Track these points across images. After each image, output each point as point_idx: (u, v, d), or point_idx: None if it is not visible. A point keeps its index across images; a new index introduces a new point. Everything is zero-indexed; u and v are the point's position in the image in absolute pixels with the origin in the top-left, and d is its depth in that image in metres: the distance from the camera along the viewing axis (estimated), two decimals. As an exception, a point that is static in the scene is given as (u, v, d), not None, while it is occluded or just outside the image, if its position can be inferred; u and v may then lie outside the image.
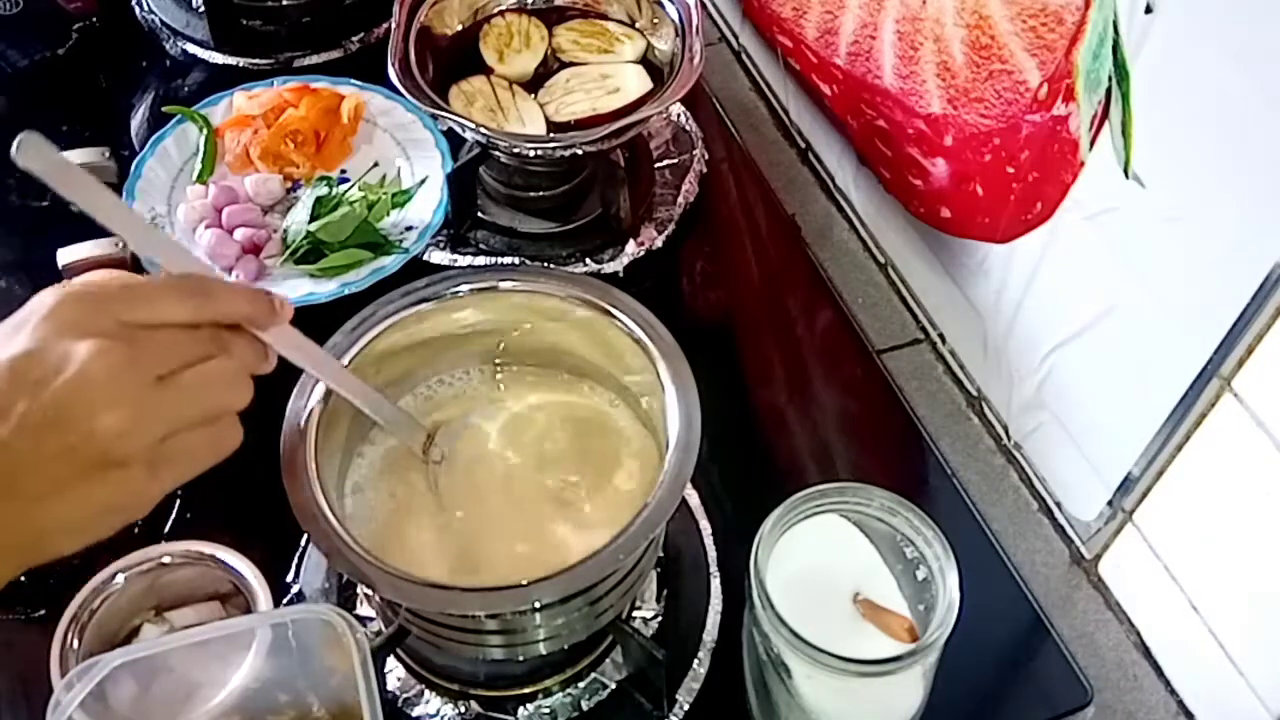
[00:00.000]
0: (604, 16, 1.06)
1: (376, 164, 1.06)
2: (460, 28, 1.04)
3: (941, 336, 1.01)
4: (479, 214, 1.03)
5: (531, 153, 0.96)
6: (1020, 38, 0.77)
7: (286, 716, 0.71)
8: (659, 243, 1.02)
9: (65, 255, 0.94)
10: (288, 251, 0.97)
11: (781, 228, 1.09)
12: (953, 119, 0.87)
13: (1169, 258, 0.72)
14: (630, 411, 0.78)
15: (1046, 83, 0.77)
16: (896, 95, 0.93)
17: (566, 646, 0.74)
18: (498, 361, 0.80)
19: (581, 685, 0.78)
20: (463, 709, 0.77)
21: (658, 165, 1.08)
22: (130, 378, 0.54)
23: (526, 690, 0.77)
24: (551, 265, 1.00)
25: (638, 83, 1.01)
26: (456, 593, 0.65)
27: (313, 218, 0.98)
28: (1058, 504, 0.90)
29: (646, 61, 1.03)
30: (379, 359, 0.75)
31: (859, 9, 0.95)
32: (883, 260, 1.07)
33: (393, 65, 0.94)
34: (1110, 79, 0.72)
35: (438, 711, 0.77)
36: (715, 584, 0.82)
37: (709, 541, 0.84)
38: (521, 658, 0.75)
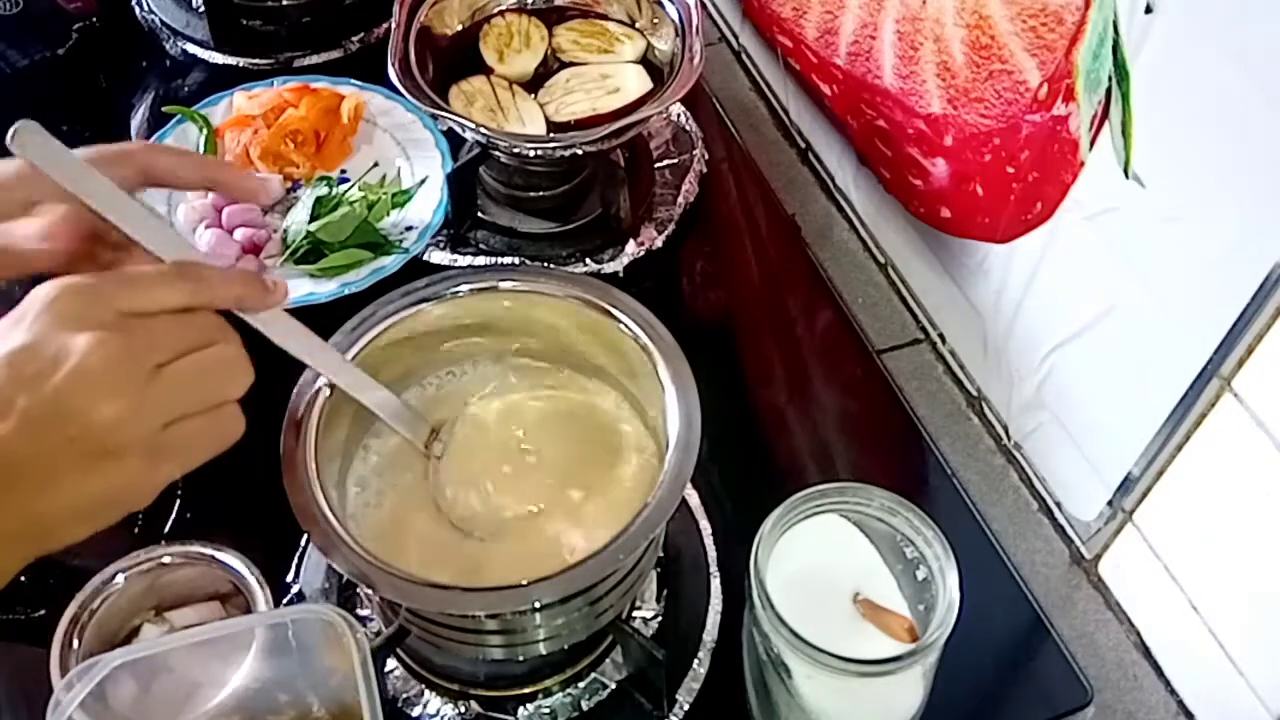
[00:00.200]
0: (604, 16, 1.06)
1: (376, 164, 1.06)
2: (460, 28, 1.04)
3: (941, 336, 1.01)
4: (479, 214, 1.03)
5: (531, 153, 0.96)
6: (1020, 38, 0.77)
7: (286, 716, 0.70)
8: (659, 243, 1.03)
9: None
10: (288, 251, 0.97)
11: (781, 228, 1.09)
12: (953, 119, 0.87)
13: (1169, 258, 0.72)
14: (630, 411, 0.78)
15: (1046, 83, 0.77)
16: (896, 95, 0.93)
17: (566, 646, 0.74)
18: (497, 361, 0.80)
19: (581, 685, 0.78)
20: (463, 709, 0.77)
21: (658, 165, 1.08)
22: (128, 368, 0.54)
23: (526, 690, 0.77)
24: (551, 265, 1.00)
25: (638, 83, 1.01)
26: (456, 593, 0.65)
27: (313, 218, 0.99)
28: (1058, 504, 0.90)
29: (646, 61, 1.03)
30: (379, 359, 0.75)
31: (859, 9, 0.95)
32: (883, 260, 1.07)
33: (393, 65, 0.94)
34: (1110, 79, 0.72)
35: (438, 711, 0.77)
36: (715, 584, 0.82)
37: (709, 541, 0.84)
38: (521, 658, 0.75)
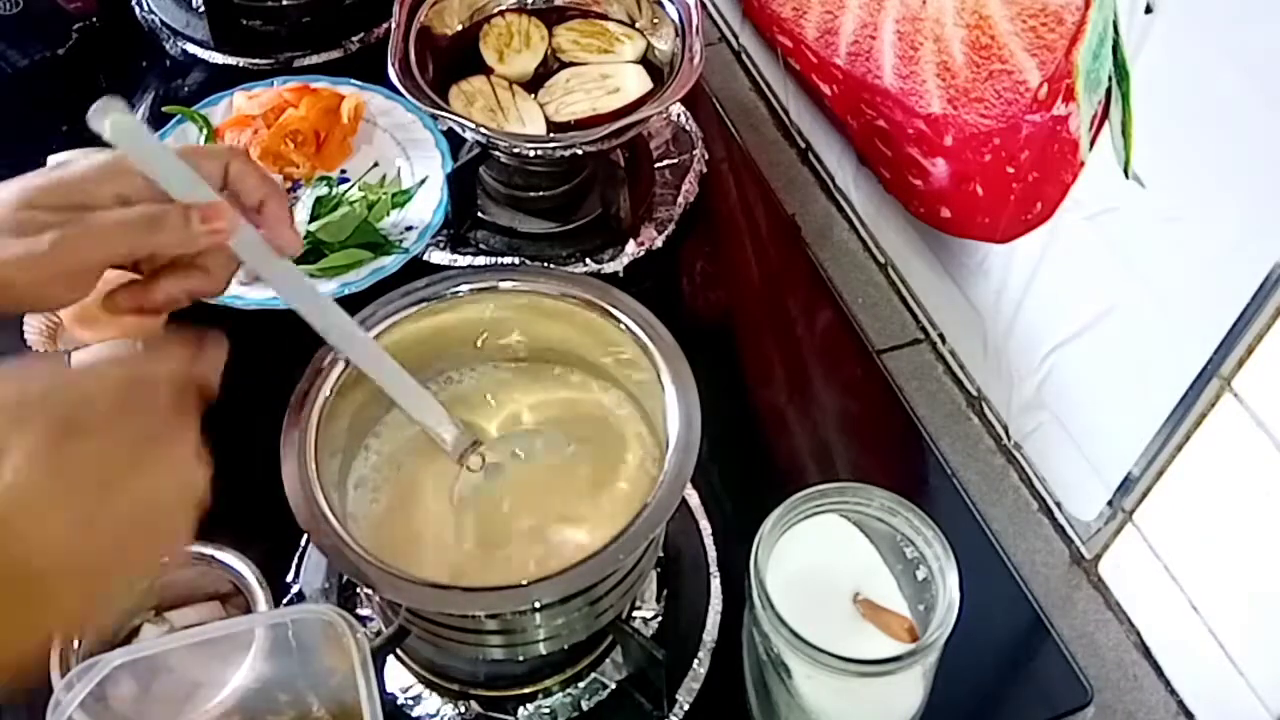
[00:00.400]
0: (604, 16, 1.06)
1: (376, 164, 1.06)
2: (460, 28, 1.04)
3: (941, 336, 1.01)
4: (479, 214, 1.03)
5: (531, 153, 0.96)
6: (1020, 38, 0.77)
7: (286, 716, 0.70)
8: (659, 243, 1.02)
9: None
10: (288, 251, 0.97)
11: (781, 228, 1.09)
12: (953, 119, 0.87)
13: (1169, 258, 0.72)
14: (630, 411, 0.78)
15: (1046, 83, 0.77)
16: (896, 95, 0.93)
17: (566, 646, 0.74)
18: (497, 361, 0.80)
19: (581, 685, 0.78)
20: (463, 709, 0.77)
21: (658, 165, 1.08)
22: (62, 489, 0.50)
23: (526, 690, 0.77)
24: (551, 265, 1.00)
25: (638, 83, 1.01)
26: (456, 593, 0.65)
27: (313, 218, 0.99)
28: (1058, 504, 0.90)
29: (646, 61, 1.03)
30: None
31: (859, 9, 0.95)
32: (883, 260, 1.07)
33: (393, 65, 0.94)
34: (1110, 79, 0.72)
35: (438, 711, 0.77)
36: (715, 584, 0.82)
37: (709, 541, 0.84)
38: (521, 658, 0.75)
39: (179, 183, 0.62)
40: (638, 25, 1.05)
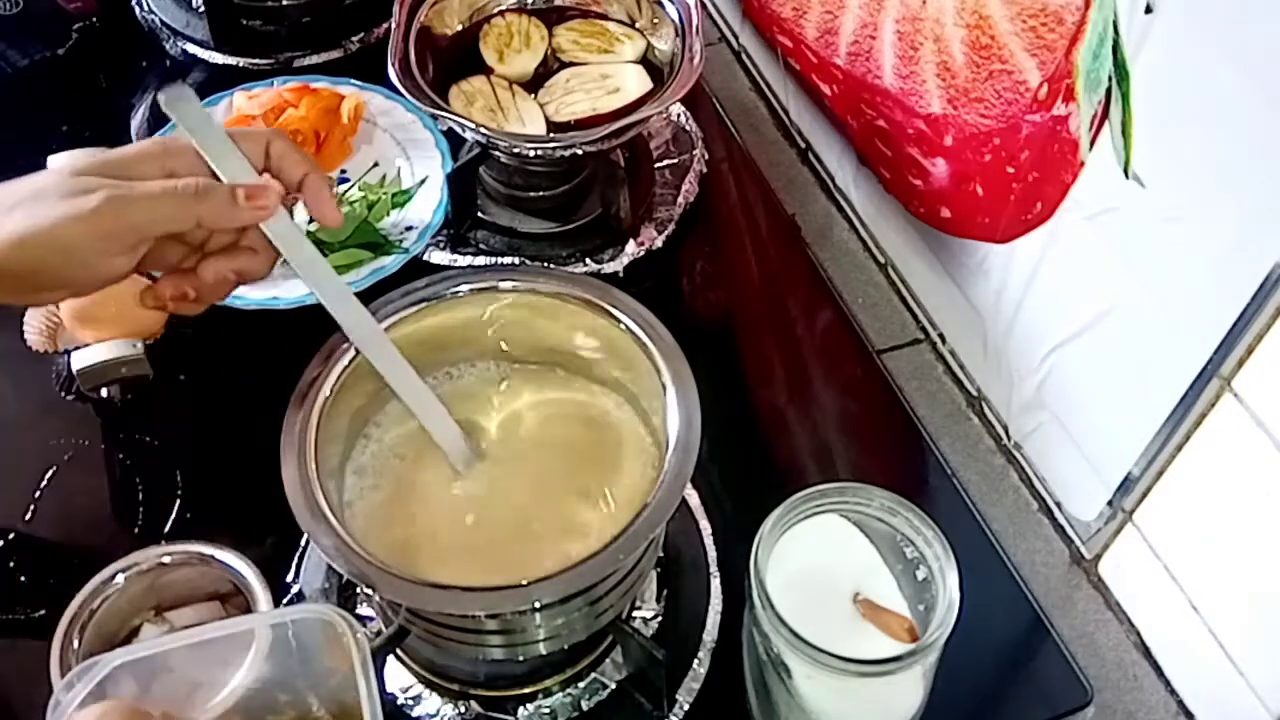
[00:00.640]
0: (604, 16, 1.06)
1: (376, 164, 1.06)
2: (460, 28, 1.04)
3: (941, 336, 1.01)
4: (479, 214, 1.03)
5: (531, 153, 0.96)
6: (1020, 38, 0.77)
7: (286, 716, 0.70)
8: (659, 243, 1.02)
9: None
10: (288, 251, 0.97)
11: (781, 228, 1.09)
12: (953, 119, 0.87)
13: (1169, 258, 0.72)
14: (630, 411, 0.78)
15: (1046, 83, 0.77)
16: (896, 95, 0.93)
17: (566, 646, 0.74)
18: (497, 361, 0.80)
19: (581, 685, 0.78)
20: (463, 709, 0.77)
21: (658, 165, 1.08)
22: None
23: (526, 690, 0.77)
24: (551, 265, 1.00)
25: (638, 83, 1.01)
26: (456, 593, 0.65)
27: (313, 218, 0.98)
28: (1058, 504, 0.90)
29: (646, 61, 1.03)
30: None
31: (859, 9, 0.95)
32: (883, 260, 1.07)
33: (393, 65, 0.94)
34: (1110, 79, 0.72)
35: (438, 711, 0.77)
36: (715, 584, 0.82)
37: (709, 541, 0.84)
38: (521, 658, 0.75)
39: (231, 165, 0.65)
40: (638, 25, 1.05)
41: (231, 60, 1.17)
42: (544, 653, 0.73)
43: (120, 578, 0.75)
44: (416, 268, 0.98)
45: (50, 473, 0.88)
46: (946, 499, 0.89)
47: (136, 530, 0.86)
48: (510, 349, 0.80)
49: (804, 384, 0.98)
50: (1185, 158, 0.69)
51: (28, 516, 0.86)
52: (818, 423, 0.96)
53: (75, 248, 0.61)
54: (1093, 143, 0.75)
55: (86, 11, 1.19)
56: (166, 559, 0.77)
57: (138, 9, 1.22)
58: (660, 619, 0.81)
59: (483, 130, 0.93)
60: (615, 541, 0.65)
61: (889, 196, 1.02)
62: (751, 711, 0.76)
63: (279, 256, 0.69)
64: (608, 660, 0.79)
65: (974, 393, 0.98)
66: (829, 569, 0.72)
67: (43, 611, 0.77)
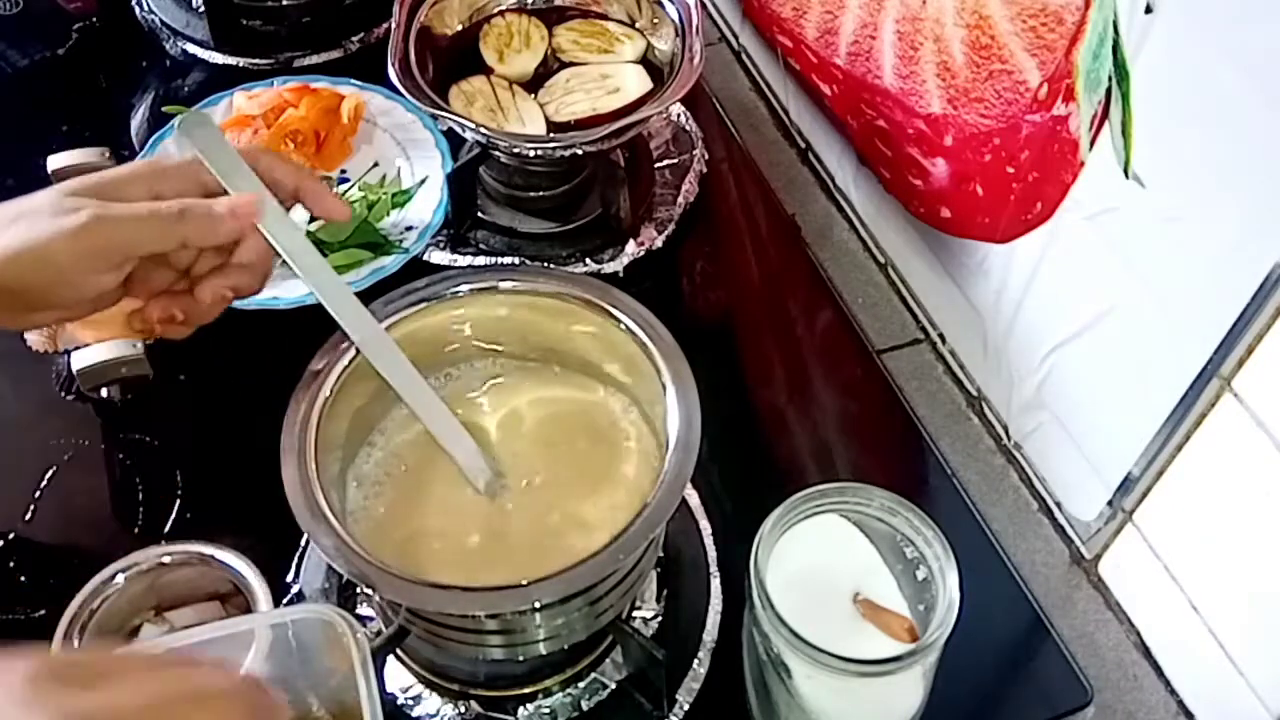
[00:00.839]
0: (604, 16, 1.06)
1: (376, 164, 1.06)
2: (460, 28, 1.04)
3: (941, 336, 1.01)
4: (479, 214, 1.03)
5: (531, 153, 0.96)
6: (1020, 38, 0.77)
7: (286, 717, 0.70)
8: (659, 243, 1.02)
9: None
10: (288, 251, 0.97)
11: (781, 228, 1.09)
12: (953, 119, 0.87)
13: (1169, 258, 0.72)
14: (630, 411, 0.78)
15: (1046, 83, 0.77)
16: (896, 95, 0.93)
17: (566, 646, 0.74)
18: (497, 361, 0.80)
19: (581, 685, 0.78)
20: (463, 709, 0.77)
21: (658, 165, 1.08)
22: None
23: (526, 690, 0.77)
24: (551, 265, 1.00)
25: (638, 83, 1.01)
26: (456, 593, 0.65)
27: (313, 218, 0.98)
28: (1058, 504, 0.90)
29: (646, 61, 1.03)
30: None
31: (859, 9, 0.95)
32: (883, 260, 1.07)
33: (393, 65, 0.94)
34: (1110, 79, 0.72)
35: (438, 711, 0.77)
36: (715, 584, 0.82)
37: (709, 541, 0.84)
38: (521, 658, 0.75)
39: (245, 190, 0.69)
40: (638, 25, 1.05)
41: (231, 60, 1.17)
42: (544, 653, 0.73)
43: (120, 578, 0.75)
44: (416, 268, 0.98)
45: (50, 473, 0.88)
46: (946, 499, 0.89)
47: (136, 530, 0.86)
48: (509, 349, 0.80)
49: (804, 384, 0.98)
50: (1185, 158, 0.69)
51: (28, 516, 0.86)
52: (818, 423, 0.96)
53: (63, 266, 0.63)
54: (1093, 143, 0.75)
55: (86, 11, 1.19)
56: (166, 559, 0.77)
57: (138, 9, 1.22)
58: (660, 619, 0.81)
59: (483, 130, 0.93)
60: (615, 541, 0.65)
61: (889, 196, 1.02)
62: (751, 711, 0.76)
63: (271, 270, 0.71)
64: (608, 660, 0.79)
65: (974, 393, 0.98)
66: (829, 569, 0.72)
67: (43, 611, 0.77)
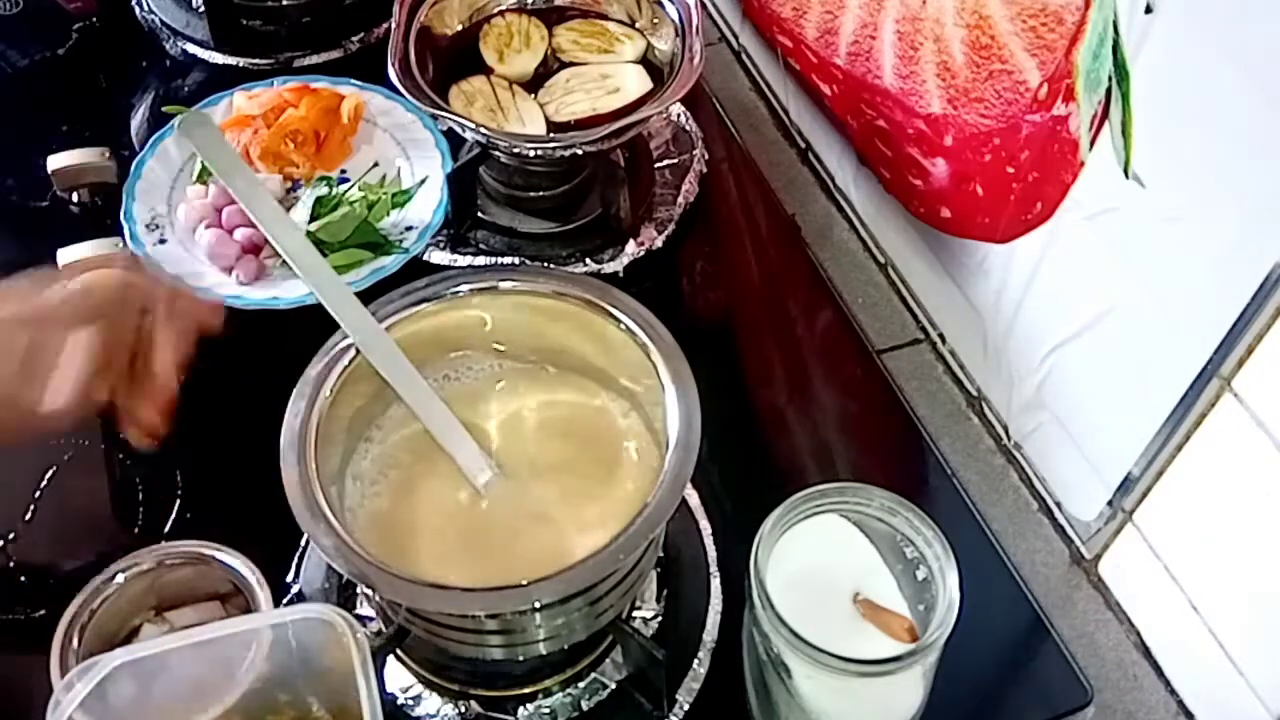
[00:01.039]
0: (604, 16, 1.06)
1: (376, 164, 1.06)
2: (460, 28, 1.04)
3: (941, 336, 1.01)
4: (479, 214, 1.03)
5: (531, 153, 0.96)
6: (1020, 38, 0.77)
7: (286, 716, 0.70)
8: (659, 243, 1.02)
9: (65, 255, 0.94)
10: (288, 251, 0.97)
11: (781, 228, 1.09)
12: (953, 119, 0.87)
13: (1169, 258, 0.72)
14: (630, 411, 0.78)
15: (1046, 83, 0.77)
16: (896, 95, 0.93)
17: (566, 646, 0.74)
18: (497, 362, 0.80)
19: (581, 685, 0.78)
20: (463, 709, 0.77)
21: (658, 165, 1.08)
22: None
23: (526, 690, 0.77)
24: (551, 265, 1.00)
25: (638, 83, 1.01)
26: (456, 593, 0.65)
27: (313, 218, 0.98)
28: (1058, 504, 0.90)
29: (646, 61, 1.03)
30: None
31: (859, 9, 0.95)
32: (883, 260, 1.07)
33: (393, 65, 0.94)
34: (1110, 79, 0.72)
35: (438, 711, 0.77)
36: (715, 584, 0.82)
37: (709, 541, 0.84)
38: (521, 658, 0.75)
39: (242, 187, 0.70)
40: (638, 25, 1.05)
41: (231, 60, 1.17)
42: (544, 653, 0.73)
43: (120, 578, 0.75)
44: (416, 268, 0.98)
45: (50, 473, 0.88)
46: (946, 499, 0.89)
47: (136, 530, 0.86)
48: (509, 349, 0.80)
49: (804, 384, 0.98)
50: (1185, 158, 0.69)
51: (28, 516, 0.86)
52: (818, 423, 0.96)
53: None
54: (1093, 143, 0.75)
55: (86, 11, 1.19)
56: (166, 559, 0.77)
57: (138, 9, 1.21)
58: (660, 619, 0.81)
59: (483, 130, 0.93)
60: (615, 541, 0.65)
61: (889, 196, 1.02)
62: (751, 711, 0.76)
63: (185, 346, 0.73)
64: (608, 660, 0.79)
65: (974, 393, 0.98)
66: (829, 569, 0.72)
67: (43, 611, 0.77)
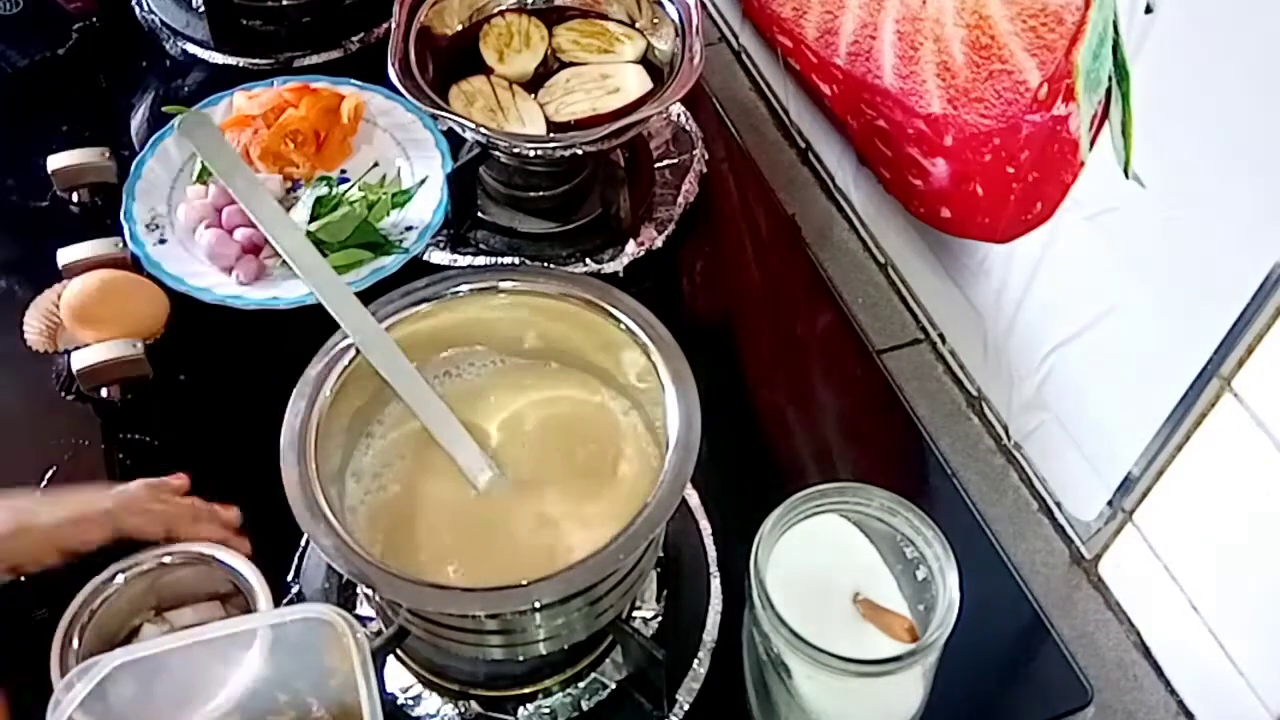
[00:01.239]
0: (604, 16, 1.06)
1: (376, 164, 1.06)
2: (460, 28, 1.04)
3: (941, 336, 1.01)
4: (479, 214, 1.03)
5: (531, 153, 0.96)
6: (1020, 38, 0.77)
7: (286, 716, 0.70)
8: (659, 243, 1.02)
9: (65, 255, 0.94)
10: (288, 251, 0.97)
11: (781, 228, 1.09)
12: (953, 119, 0.87)
13: (1169, 258, 0.72)
14: (630, 411, 0.78)
15: (1046, 83, 0.77)
16: (896, 95, 0.93)
17: (566, 646, 0.74)
18: (497, 362, 0.80)
19: (581, 685, 0.78)
20: (463, 709, 0.77)
21: (658, 165, 1.08)
22: None
23: (526, 690, 0.77)
24: (551, 265, 1.00)
25: (638, 83, 1.01)
26: (456, 593, 0.65)
27: (313, 218, 0.99)
28: (1058, 504, 0.90)
29: (646, 61, 1.03)
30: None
31: (859, 9, 0.95)
32: (883, 260, 1.07)
33: (393, 65, 0.94)
34: (1110, 79, 0.72)
35: (438, 711, 0.77)
36: (715, 584, 0.82)
37: (709, 541, 0.84)
38: (521, 658, 0.75)
39: (242, 186, 0.70)
40: (638, 25, 1.05)
41: (231, 60, 1.17)
42: (544, 653, 0.73)
43: (120, 578, 0.75)
44: (416, 268, 0.98)
45: (50, 473, 0.88)
46: (946, 499, 0.89)
47: (136, 530, 0.86)
48: (510, 349, 0.80)
49: (804, 384, 0.98)
50: (1185, 158, 0.69)
51: (28, 516, 0.86)
52: (818, 423, 0.96)
53: None
54: (1093, 143, 0.75)
55: (86, 11, 1.19)
56: (166, 559, 0.77)
57: (138, 9, 1.22)
58: (660, 619, 0.81)
59: (483, 130, 0.93)
60: (615, 541, 0.65)
61: (889, 196, 1.02)
62: (751, 711, 0.76)
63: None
64: (608, 660, 0.79)
65: (974, 393, 0.98)
66: (829, 569, 0.72)
67: (43, 611, 0.77)
